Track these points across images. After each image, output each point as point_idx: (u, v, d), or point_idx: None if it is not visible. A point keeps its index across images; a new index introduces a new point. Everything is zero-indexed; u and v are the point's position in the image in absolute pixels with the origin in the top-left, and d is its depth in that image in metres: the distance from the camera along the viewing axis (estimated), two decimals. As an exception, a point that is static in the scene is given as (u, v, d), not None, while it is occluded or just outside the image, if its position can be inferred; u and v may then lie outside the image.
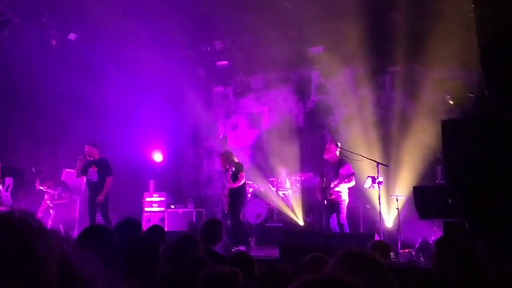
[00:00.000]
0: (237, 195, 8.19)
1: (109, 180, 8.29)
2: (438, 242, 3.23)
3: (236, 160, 8.40)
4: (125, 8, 9.42)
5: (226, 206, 8.33)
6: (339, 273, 1.10)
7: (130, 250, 2.91)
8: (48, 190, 8.87)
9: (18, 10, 9.34)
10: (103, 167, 8.38)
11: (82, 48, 10.42)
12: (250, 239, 7.98)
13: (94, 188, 8.32)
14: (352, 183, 7.67)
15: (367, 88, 10.96)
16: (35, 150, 10.49)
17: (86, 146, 8.48)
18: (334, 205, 7.65)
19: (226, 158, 8.37)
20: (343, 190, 7.67)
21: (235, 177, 8.15)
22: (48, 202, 9.06)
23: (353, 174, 7.62)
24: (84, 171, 8.44)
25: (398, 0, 9.47)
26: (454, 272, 2.96)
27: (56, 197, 8.80)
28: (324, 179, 7.88)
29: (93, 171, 8.36)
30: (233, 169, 8.18)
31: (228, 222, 9.25)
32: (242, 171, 8.28)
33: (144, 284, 2.66)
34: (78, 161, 8.45)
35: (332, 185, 7.61)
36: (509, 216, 4.86)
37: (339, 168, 7.75)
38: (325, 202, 7.68)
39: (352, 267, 1.69)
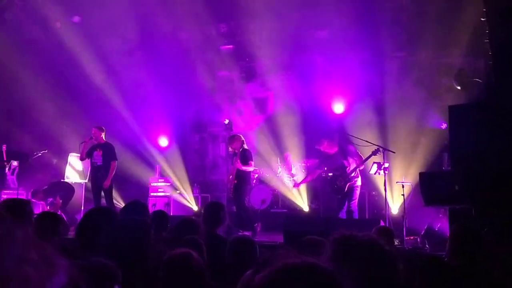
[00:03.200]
0: (243, 180, 8.17)
1: (113, 164, 8.30)
2: (454, 234, 3.17)
3: (245, 146, 8.38)
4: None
5: (231, 190, 8.33)
6: (311, 259, 1.09)
7: (118, 232, 2.91)
8: (40, 202, 8.81)
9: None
10: (108, 151, 8.39)
11: (86, 30, 10.35)
12: (256, 224, 7.97)
13: (98, 171, 8.33)
14: (362, 165, 7.69)
15: (372, 73, 10.88)
16: (40, 133, 10.50)
17: (92, 129, 8.49)
18: (347, 193, 7.59)
19: (237, 141, 8.31)
20: (357, 175, 7.65)
21: (245, 161, 8.12)
22: None
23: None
24: (89, 154, 8.45)
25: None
26: (465, 262, 2.94)
27: (48, 208, 8.74)
28: (332, 171, 7.82)
29: (98, 154, 8.37)
30: (242, 153, 8.15)
31: (233, 207, 9.27)
32: (252, 159, 8.28)
33: (134, 267, 2.65)
34: (83, 143, 8.45)
35: (349, 170, 7.57)
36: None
37: (344, 154, 7.74)
38: (344, 188, 7.58)
39: (346, 251, 1.65)
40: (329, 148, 7.86)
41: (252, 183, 8.95)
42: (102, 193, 8.31)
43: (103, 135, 8.51)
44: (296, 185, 8.94)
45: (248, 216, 8.09)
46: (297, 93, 11.88)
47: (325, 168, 8.10)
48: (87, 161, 8.76)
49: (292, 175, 10.17)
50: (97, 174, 8.35)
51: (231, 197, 8.52)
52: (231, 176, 8.29)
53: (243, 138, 8.39)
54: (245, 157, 8.15)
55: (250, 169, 8.26)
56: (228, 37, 11.59)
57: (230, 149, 8.50)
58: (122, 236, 3.06)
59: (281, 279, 1.02)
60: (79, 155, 10.16)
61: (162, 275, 2.71)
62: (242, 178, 8.15)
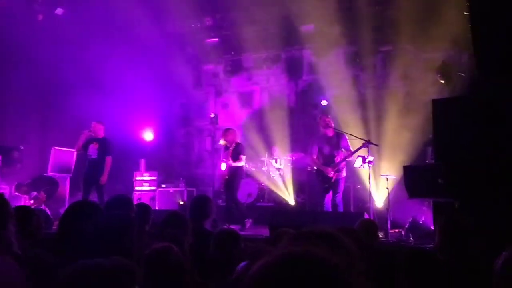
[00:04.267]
0: (235, 175, 8.17)
1: (108, 159, 8.28)
2: (443, 228, 3.20)
3: (238, 140, 8.40)
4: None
5: (222, 185, 8.31)
6: (309, 247, 1.03)
7: (101, 226, 2.90)
8: (24, 196, 8.70)
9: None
10: (105, 145, 8.36)
11: (69, 23, 10.21)
12: (246, 220, 7.96)
13: (93, 165, 8.28)
14: (353, 157, 7.56)
15: (358, 67, 10.93)
16: (22, 127, 10.36)
17: (93, 123, 8.46)
18: (334, 184, 7.50)
19: (230, 135, 8.30)
20: (343, 166, 7.57)
21: (236, 156, 8.11)
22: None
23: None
24: (84, 147, 8.39)
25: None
26: (454, 256, 2.97)
27: (32, 202, 8.64)
28: (322, 156, 7.67)
29: (93, 147, 8.33)
30: (235, 147, 8.14)
31: (219, 201, 9.26)
32: (244, 153, 8.28)
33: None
34: (81, 135, 8.38)
35: (338, 160, 7.47)
36: (497, 195, 4.89)
37: (338, 141, 7.62)
38: (332, 179, 7.44)
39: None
40: (330, 126, 7.66)
41: (244, 178, 8.92)
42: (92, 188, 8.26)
43: (102, 129, 8.48)
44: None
45: (240, 211, 8.08)
46: (283, 87, 11.89)
47: (318, 149, 7.75)
48: (73, 154, 8.68)
49: (278, 169, 10.18)
50: (91, 168, 8.30)
51: (222, 191, 8.50)
52: (222, 176, 8.31)
53: (236, 133, 8.42)
54: (237, 151, 8.14)
55: (241, 163, 8.23)
56: (214, 30, 11.53)
57: (222, 142, 8.43)
58: (105, 230, 3.05)
59: (280, 268, 0.97)
60: (62, 148, 10.11)
61: (143, 269, 2.70)
62: (234, 173, 8.15)
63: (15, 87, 10.19)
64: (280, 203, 9.78)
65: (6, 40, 9.38)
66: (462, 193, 5.18)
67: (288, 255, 1.00)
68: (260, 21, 10.96)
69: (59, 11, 9.91)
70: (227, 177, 8.17)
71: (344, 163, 7.54)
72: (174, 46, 11.91)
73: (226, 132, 8.43)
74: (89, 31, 10.89)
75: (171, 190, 10.47)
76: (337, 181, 7.49)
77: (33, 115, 10.65)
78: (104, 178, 8.19)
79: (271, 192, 9.96)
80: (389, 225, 6.69)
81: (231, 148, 8.16)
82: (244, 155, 8.27)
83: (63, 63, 10.24)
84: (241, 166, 8.30)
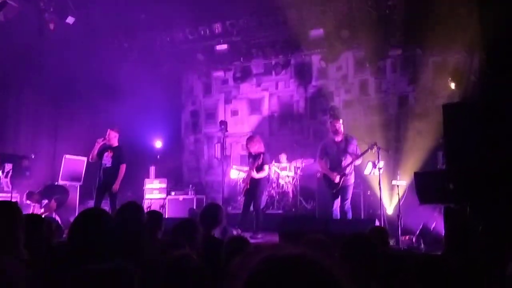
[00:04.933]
0: (259, 184, 8.02)
1: (122, 167, 8.27)
2: (450, 231, 3.17)
3: (263, 149, 8.19)
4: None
5: (243, 192, 8.23)
6: (301, 249, 1.02)
7: (112, 234, 2.91)
8: (35, 204, 8.74)
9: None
10: (119, 153, 8.36)
11: (80, 32, 10.30)
12: (259, 230, 7.90)
13: (107, 173, 8.28)
14: (360, 161, 7.48)
15: (368, 72, 10.91)
16: (34, 136, 10.46)
17: (108, 131, 8.44)
18: (341, 189, 7.40)
19: (256, 144, 8.15)
20: (351, 172, 7.45)
21: (260, 166, 7.97)
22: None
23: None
24: (99, 155, 8.42)
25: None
26: (462, 258, 2.94)
27: (43, 210, 8.68)
28: (329, 160, 7.59)
29: (108, 156, 8.34)
30: (261, 159, 7.95)
31: (229, 208, 9.26)
32: (268, 163, 8.22)
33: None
34: (96, 143, 8.39)
35: (345, 164, 7.35)
36: (509, 199, 4.84)
37: (346, 145, 7.51)
38: (340, 184, 7.33)
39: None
40: (339, 132, 7.56)
41: (266, 185, 8.84)
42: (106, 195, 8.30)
43: (116, 138, 8.49)
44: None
45: (258, 219, 7.95)
46: (293, 93, 11.90)
47: (325, 153, 7.69)
48: (83, 163, 8.70)
49: (287, 176, 10.15)
50: (105, 176, 8.31)
51: (243, 196, 8.35)
52: (243, 183, 8.24)
53: (261, 142, 8.25)
54: (263, 162, 7.99)
55: (265, 173, 8.14)
56: (223, 37, 11.56)
57: (247, 150, 8.31)
58: (116, 237, 3.06)
59: (269, 270, 0.96)
60: (73, 156, 10.17)
61: (162, 277, 2.69)
62: (257, 182, 8.01)
63: (27, 95, 10.31)
64: (290, 210, 9.73)
65: (18, 49, 9.48)
66: (473, 197, 5.13)
67: (275, 257, 0.99)
68: (269, 27, 10.98)
69: (70, 19, 9.98)
70: (248, 187, 8.04)
71: (352, 168, 7.45)
72: (183, 53, 11.97)
73: (251, 140, 8.27)
74: (99, 39, 11.02)
75: (181, 197, 10.47)
76: (345, 187, 7.40)
77: (44, 123, 10.74)
78: (116, 186, 8.20)
79: (280, 199, 9.92)
80: (399, 232, 6.63)
81: (257, 160, 7.94)
82: (268, 164, 8.19)
83: (74, 72, 10.32)
84: (265, 177, 8.25)
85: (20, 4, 9.32)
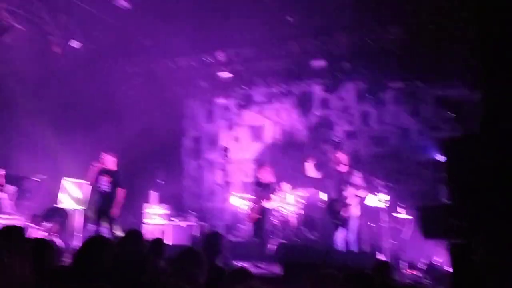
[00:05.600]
0: (266, 213, 8.19)
1: (120, 192, 8.25)
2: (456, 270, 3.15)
3: (274, 179, 8.34)
4: (128, 17, 9.44)
5: (252, 222, 8.24)
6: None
7: (115, 263, 2.92)
8: (39, 228, 8.66)
9: (21, 17, 9.33)
10: (117, 178, 8.35)
11: (84, 55, 10.40)
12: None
13: (105, 198, 8.25)
14: (364, 194, 7.49)
15: (369, 103, 10.98)
16: (36, 158, 10.42)
17: (103, 154, 8.43)
18: (344, 221, 7.39)
19: (268, 173, 8.27)
20: (354, 203, 7.43)
21: (269, 196, 8.09)
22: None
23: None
24: (96, 180, 8.37)
25: (400, 15, 9.46)
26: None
27: (45, 233, 8.61)
28: (331, 191, 7.64)
29: (106, 180, 8.31)
30: (271, 186, 8.08)
31: (230, 236, 9.22)
32: (275, 192, 8.31)
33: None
34: (91, 167, 8.36)
35: (347, 196, 7.38)
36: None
37: (350, 177, 7.54)
38: (342, 215, 7.35)
39: None
40: (343, 164, 7.63)
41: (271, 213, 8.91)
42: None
43: (113, 162, 8.46)
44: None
45: (264, 247, 7.99)
46: (294, 121, 11.95)
47: (327, 184, 7.79)
48: (86, 187, 8.65)
49: (289, 204, 10.07)
50: (103, 200, 8.27)
51: (252, 224, 8.34)
52: (254, 214, 8.24)
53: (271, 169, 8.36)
54: (273, 190, 8.10)
55: (274, 203, 8.32)
56: (226, 65, 11.68)
57: (256, 177, 8.43)
58: (118, 267, 3.05)
59: None
60: (74, 180, 10.13)
61: None
62: (264, 212, 8.14)
63: (30, 117, 10.31)
64: (292, 240, 9.63)
65: (23, 72, 9.56)
66: (478, 233, 5.09)
67: None
68: (271, 56, 11.10)
69: (75, 43, 10.09)
70: (258, 216, 8.11)
71: (355, 200, 7.44)
72: (186, 79, 12.08)
73: (262, 168, 8.41)
74: (103, 63, 11.12)
75: (184, 224, 10.36)
76: (348, 218, 7.38)
77: (45, 145, 10.72)
78: (116, 211, 8.16)
79: (283, 228, 9.81)
80: (403, 265, 6.57)
81: (271, 187, 8.06)
82: (275, 194, 8.26)
83: (77, 94, 10.40)
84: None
85: (27, 28, 9.45)
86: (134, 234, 4.55)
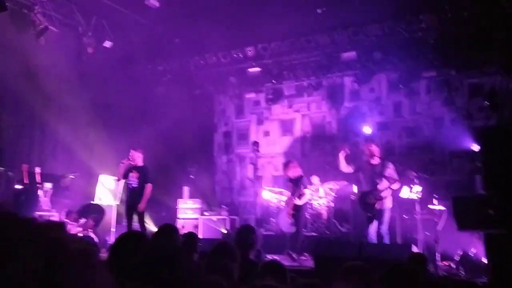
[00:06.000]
0: (301, 209, 8.23)
1: (148, 187, 8.37)
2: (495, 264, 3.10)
3: (301, 172, 8.42)
4: (157, 16, 9.58)
5: (289, 219, 8.31)
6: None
7: (150, 257, 2.96)
8: (72, 223, 8.89)
9: (55, 19, 9.57)
10: (144, 173, 8.48)
11: (116, 55, 10.59)
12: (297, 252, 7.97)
13: (133, 193, 8.41)
14: (398, 186, 7.38)
15: (401, 93, 10.81)
16: (71, 156, 10.71)
17: (131, 151, 8.58)
18: (377, 213, 7.31)
19: (292, 168, 8.35)
20: (387, 196, 7.32)
21: (301, 191, 8.16)
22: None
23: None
24: (125, 176, 8.55)
25: (432, 3, 9.26)
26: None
27: (80, 229, 8.83)
28: (364, 184, 7.57)
29: (133, 176, 8.46)
30: (302, 183, 8.16)
31: (262, 229, 9.29)
32: (307, 186, 8.39)
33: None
34: (120, 164, 8.54)
35: (381, 188, 7.28)
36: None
37: (383, 169, 7.43)
38: (376, 207, 7.27)
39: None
40: (374, 155, 7.57)
41: (307, 207, 9.00)
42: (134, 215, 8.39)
43: (140, 158, 8.60)
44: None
45: (299, 241, 8.08)
46: (325, 114, 11.88)
47: (360, 177, 7.71)
48: (119, 183, 8.84)
49: (320, 197, 10.05)
50: (131, 196, 8.43)
51: (290, 221, 8.40)
52: (288, 213, 8.32)
53: (297, 164, 8.43)
54: (304, 185, 8.18)
55: (307, 198, 8.38)
56: (255, 60, 11.69)
57: (285, 175, 8.55)
58: (152, 261, 3.11)
59: None
60: (110, 176, 10.38)
61: None
62: (299, 207, 8.21)
63: (65, 116, 10.58)
64: (324, 233, 9.61)
65: (57, 72, 9.82)
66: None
67: None
68: (300, 49, 11.05)
69: (107, 43, 10.29)
70: (293, 212, 8.19)
71: (389, 192, 7.34)
72: (216, 76, 12.16)
73: (287, 165, 8.50)
74: (135, 62, 11.32)
75: (214, 218, 10.49)
76: (381, 210, 7.29)
77: (81, 143, 10.99)
78: (142, 205, 8.28)
79: (314, 221, 9.81)
80: (438, 257, 6.46)
81: (300, 185, 8.12)
82: (307, 187, 8.33)
83: (110, 93, 10.61)
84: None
85: (60, 29, 9.69)
86: (168, 228, 4.63)
